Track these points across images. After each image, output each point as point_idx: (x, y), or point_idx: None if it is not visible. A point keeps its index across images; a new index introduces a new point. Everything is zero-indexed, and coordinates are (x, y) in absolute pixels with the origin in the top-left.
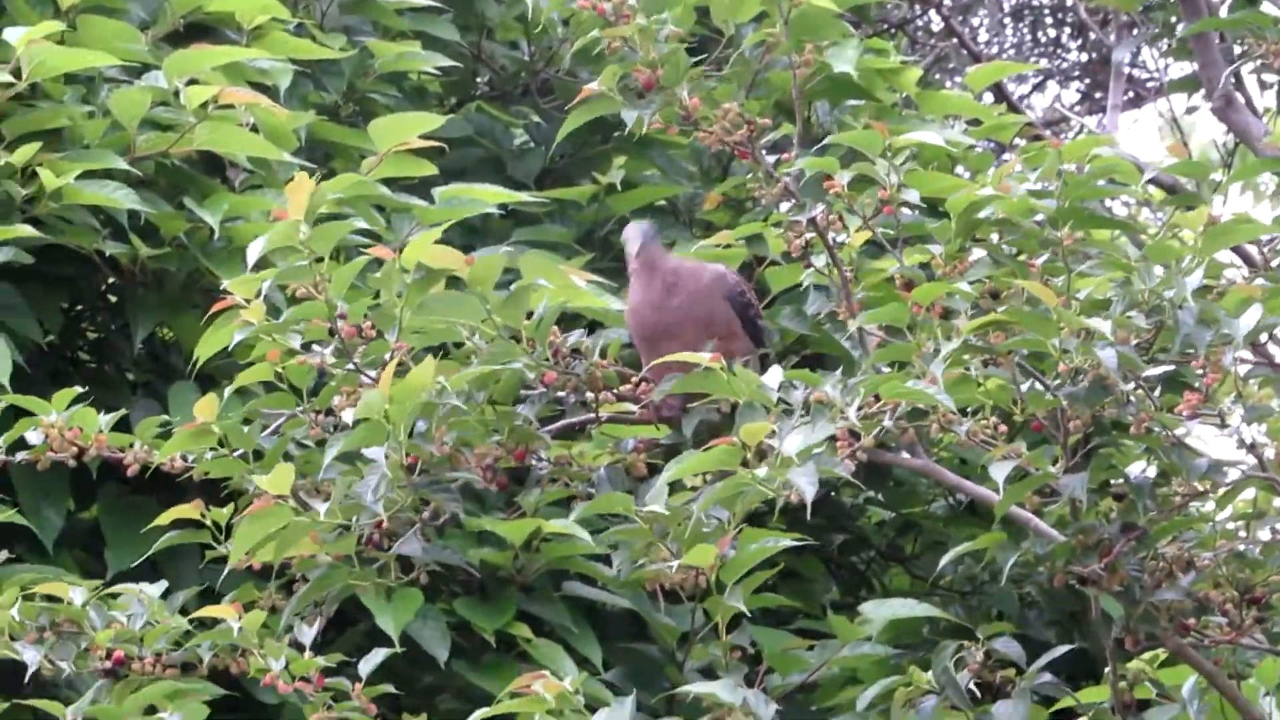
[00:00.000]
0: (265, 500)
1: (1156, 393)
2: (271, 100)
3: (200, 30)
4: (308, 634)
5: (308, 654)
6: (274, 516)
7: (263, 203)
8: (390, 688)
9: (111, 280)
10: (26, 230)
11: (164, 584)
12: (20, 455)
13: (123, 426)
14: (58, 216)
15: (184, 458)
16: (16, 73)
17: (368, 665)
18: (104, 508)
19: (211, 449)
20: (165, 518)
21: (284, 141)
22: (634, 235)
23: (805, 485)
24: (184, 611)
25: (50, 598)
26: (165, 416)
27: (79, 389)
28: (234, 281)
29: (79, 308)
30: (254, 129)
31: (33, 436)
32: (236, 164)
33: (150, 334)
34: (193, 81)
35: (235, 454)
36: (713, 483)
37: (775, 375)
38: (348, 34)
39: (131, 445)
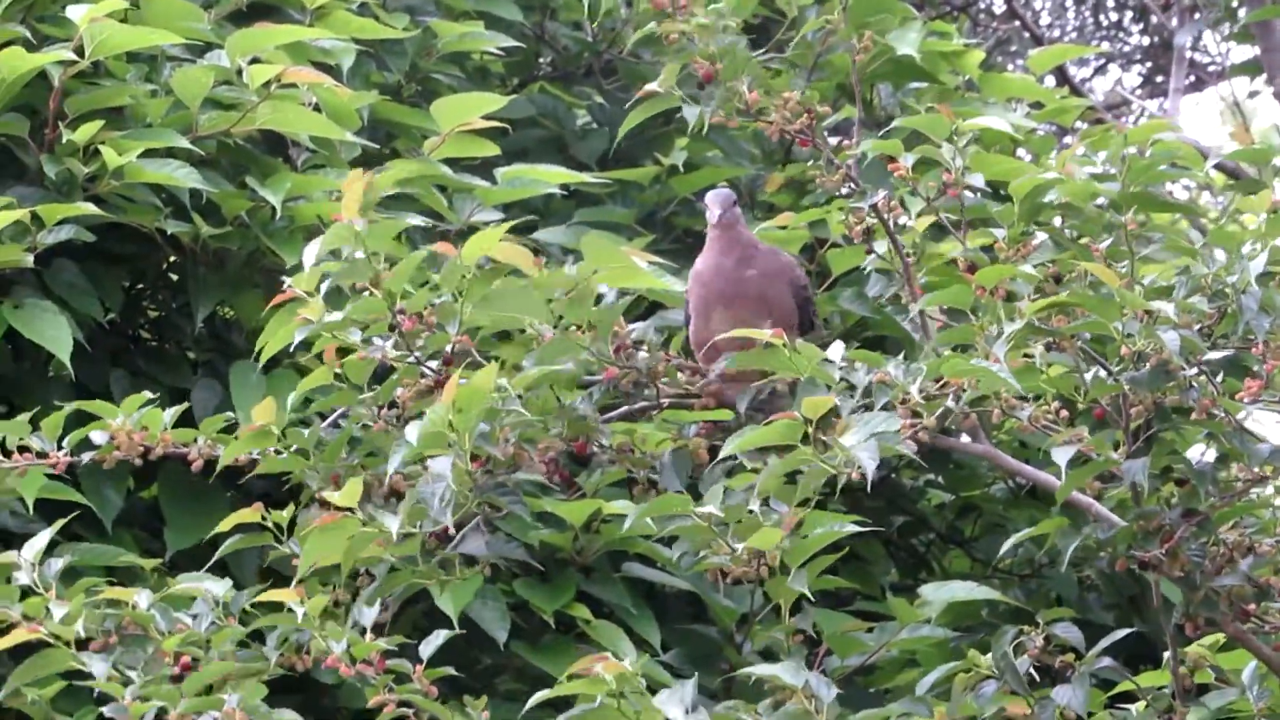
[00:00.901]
0: (332, 515)
1: (1218, 378)
2: (334, 80)
3: (263, 9)
4: (368, 616)
5: (369, 636)
6: (341, 529)
7: (325, 182)
8: (451, 670)
9: (173, 259)
10: (88, 208)
11: (229, 582)
12: (86, 456)
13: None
14: (119, 195)
15: (249, 453)
16: (79, 50)
17: (428, 648)
18: (164, 487)
19: (273, 449)
20: (227, 523)
21: (346, 121)
22: (715, 201)
23: (867, 461)
24: (245, 618)
25: (114, 602)
26: (229, 414)
27: (148, 394)
28: (295, 279)
29: (140, 286)
30: (316, 108)
31: (97, 437)
32: (299, 143)
33: (211, 313)
34: (255, 60)
35: (294, 449)
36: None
37: (837, 350)
38: (410, 14)
39: (195, 440)
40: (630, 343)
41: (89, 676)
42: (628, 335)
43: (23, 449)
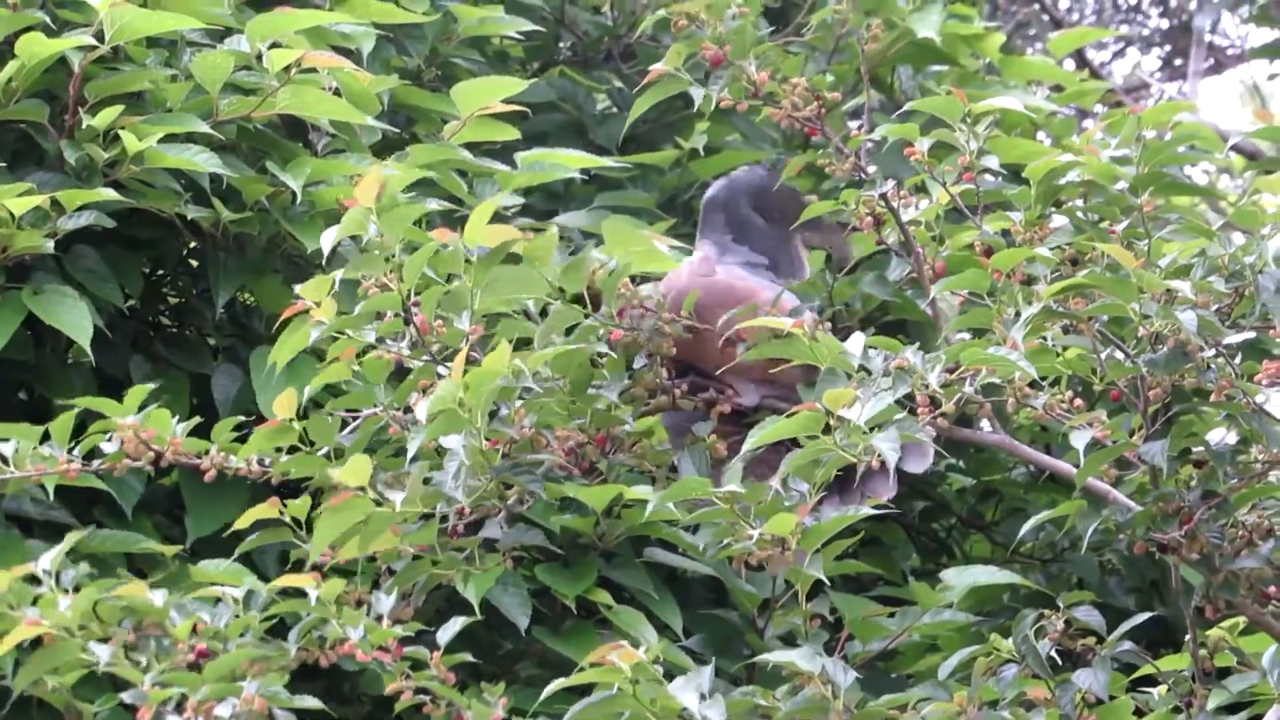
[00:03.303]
0: (345, 493)
1: (1237, 359)
2: (354, 64)
3: None
4: (386, 604)
5: (386, 623)
6: (354, 509)
7: (345, 167)
8: (469, 656)
9: (193, 244)
10: (108, 194)
11: (249, 587)
12: (96, 464)
13: (204, 393)
14: (139, 180)
15: (261, 462)
16: (99, 35)
17: (446, 634)
18: (184, 474)
19: (293, 447)
20: (244, 520)
21: (367, 106)
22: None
23: (888, 451)
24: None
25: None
26: (242, 418)
27: (150, 386)
28: (305, 286)
29: (160, 272)
30: (336, 93)
31: (108, 447)
32: (319, 128)
33: (232, 298)
34: (275, 45)
35: (320, 452)
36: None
37: (858, 343)
38: None
39: (208, 452)
40: (638, 303)
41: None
42: (633, 296)
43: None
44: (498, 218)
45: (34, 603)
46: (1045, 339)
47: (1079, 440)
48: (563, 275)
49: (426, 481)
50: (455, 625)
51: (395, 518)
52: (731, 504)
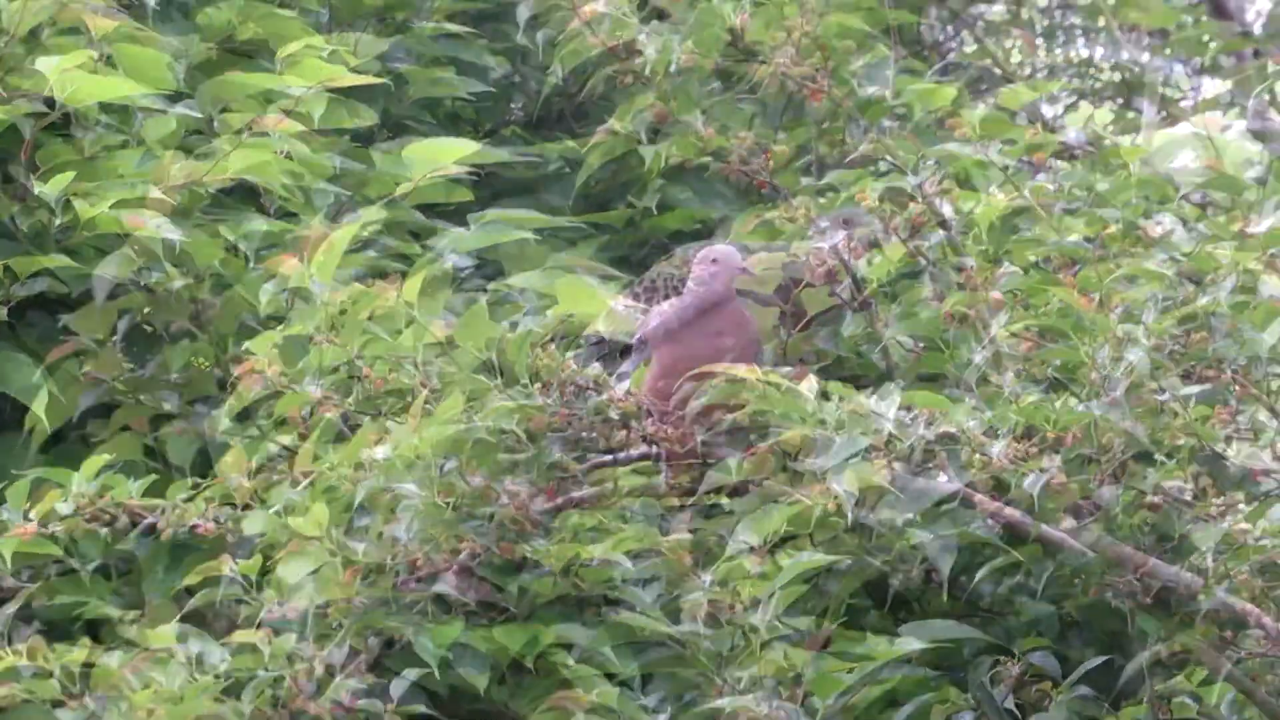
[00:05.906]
0: (299, 542)
1: (1190, 405)
2: (306, 127)
3: (233, 58)
4: (338, 655)
5: (340, 677)
6: (310, 557)
7: (299, 229)
8: (423, 708)
9: (147, 309)
10: (62, 260)
11: (201, 646)
12: (53, 527)
13: (161, 456)
14: (92, 246)
15: (216, 520)
16: (50, 102)
17: (399, 688)
18: (142, 540)
19: (245, 506)
20: (195, 575)
21: (318, 168)
22: (730, 259)
23: (843, 492)
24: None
25: (88, 664)
26: (198, 479)
27: (106, 457)
28: (254, 341)
29: (115, 336)
30: (288, 156)
31: (64, 508)
32: (271, 191)
33: (186, 362)
34: (227, 109)
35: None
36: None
37: (810, 384)
38: (382, 60)
39: (162, 510)
40: (589, 382)
41: None
42: (573, 376)
43: None
44: (452, 279)
45: None
46: (1000, 386)
47: (1032, 486)
48: (458, 331)
49: (380, 536)
50: (408, 678)
51: (350, 564)
52: (680, 553)
